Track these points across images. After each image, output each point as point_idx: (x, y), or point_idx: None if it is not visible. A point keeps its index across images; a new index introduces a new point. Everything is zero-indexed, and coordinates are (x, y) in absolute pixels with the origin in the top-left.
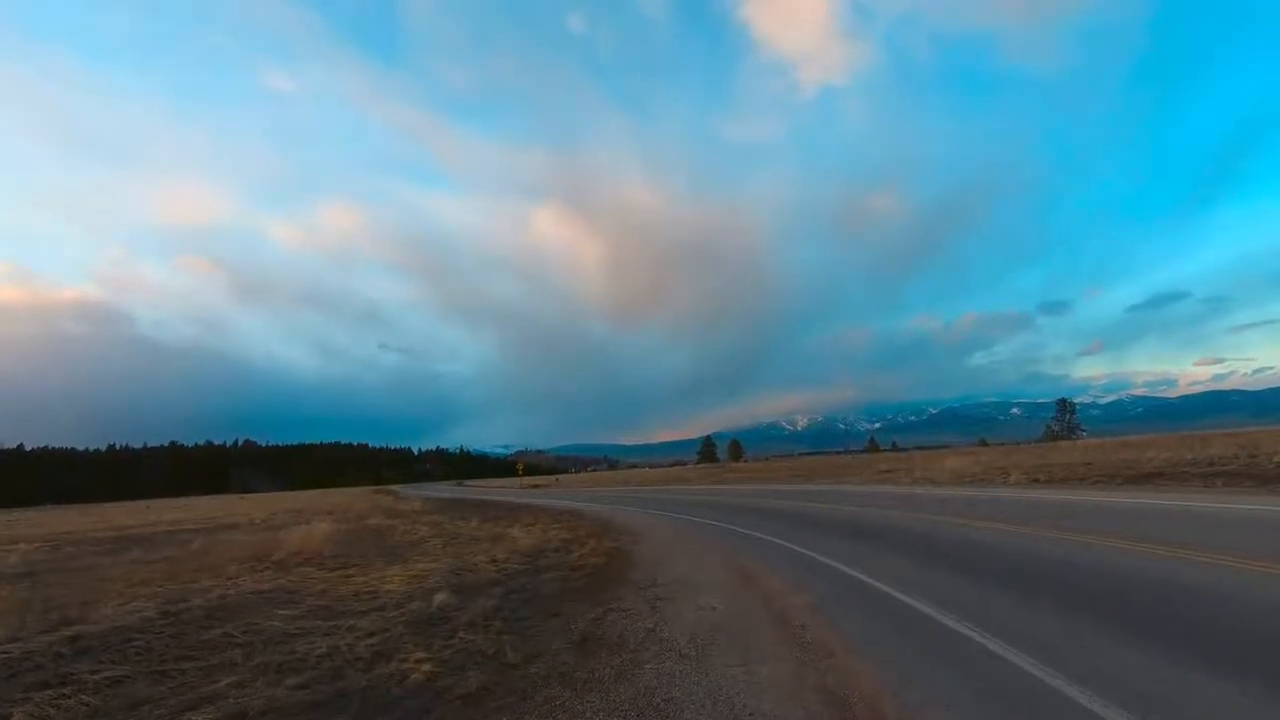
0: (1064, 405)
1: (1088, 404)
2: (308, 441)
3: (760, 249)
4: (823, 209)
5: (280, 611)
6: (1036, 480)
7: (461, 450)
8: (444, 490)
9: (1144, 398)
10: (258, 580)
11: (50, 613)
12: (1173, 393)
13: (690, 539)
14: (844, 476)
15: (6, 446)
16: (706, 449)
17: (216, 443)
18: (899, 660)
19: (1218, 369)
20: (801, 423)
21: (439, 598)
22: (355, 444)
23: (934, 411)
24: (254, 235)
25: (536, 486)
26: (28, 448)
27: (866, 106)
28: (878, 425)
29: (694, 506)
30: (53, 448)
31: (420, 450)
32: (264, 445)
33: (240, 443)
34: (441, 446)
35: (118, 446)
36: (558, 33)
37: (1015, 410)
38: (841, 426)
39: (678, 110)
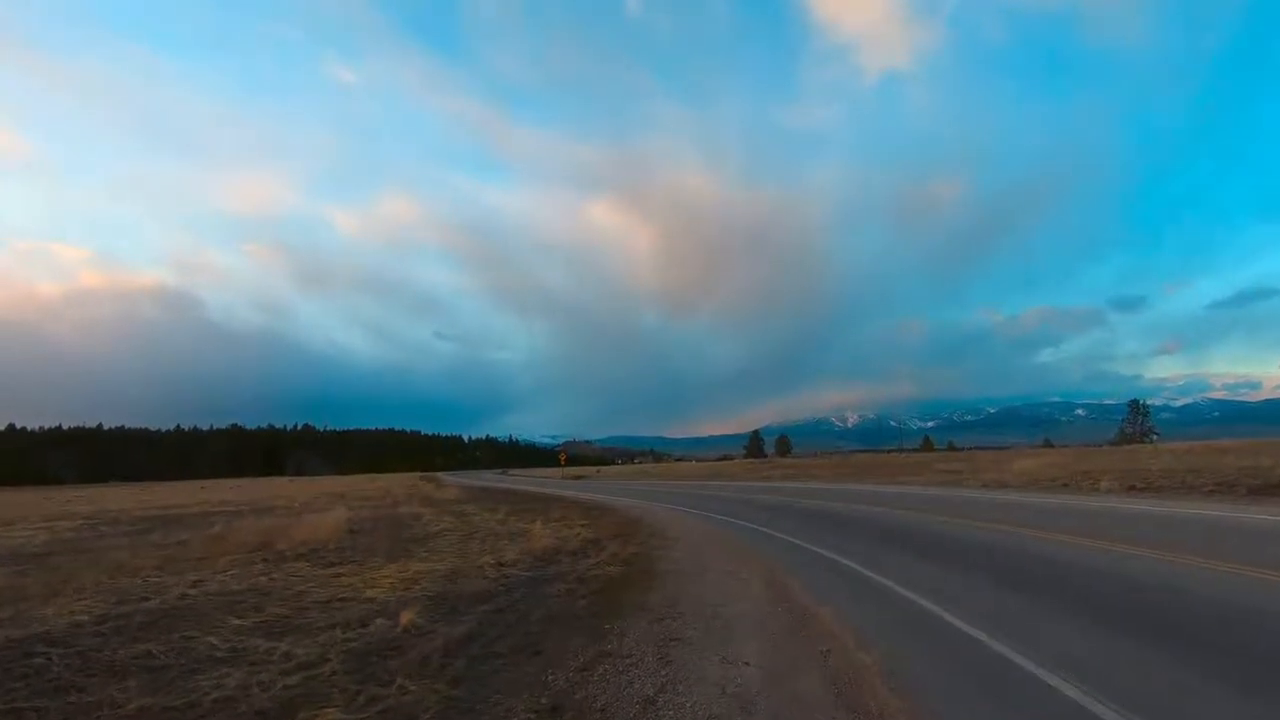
0: (1136, 406)
1: (1160, 406)
2: (363, 427)
3: (816, 239)
4: (882, 198)
5: (232, 621)
6: (1133, 488)
7: (510, 439)
8: (487, 478)
9: (1222, 401)
10: (241, 575)
11: None
12: (1256, 396)
13: (726, 548)
14: (902, 476)
15: (87, 425)
16: (753, 443)
17: (277, 426)
18: None
19: None
20: (852, 419)
21: (407, 616)
22: (408, 430)
23: (992, 410)
24: (316, 223)
25: (579, 477)
26: (106, 427)
27: (931, 91)
28: (932, 423)
29: (736, 505)
30: (128, 427)
31: (470, 437)
32: (321, 430)
33: (299, 426)
34: (491, 435)
35: (185, 427)
36: (615, 20)
37: (1080, 411)
38: (894, 424)
39: (735, 98)
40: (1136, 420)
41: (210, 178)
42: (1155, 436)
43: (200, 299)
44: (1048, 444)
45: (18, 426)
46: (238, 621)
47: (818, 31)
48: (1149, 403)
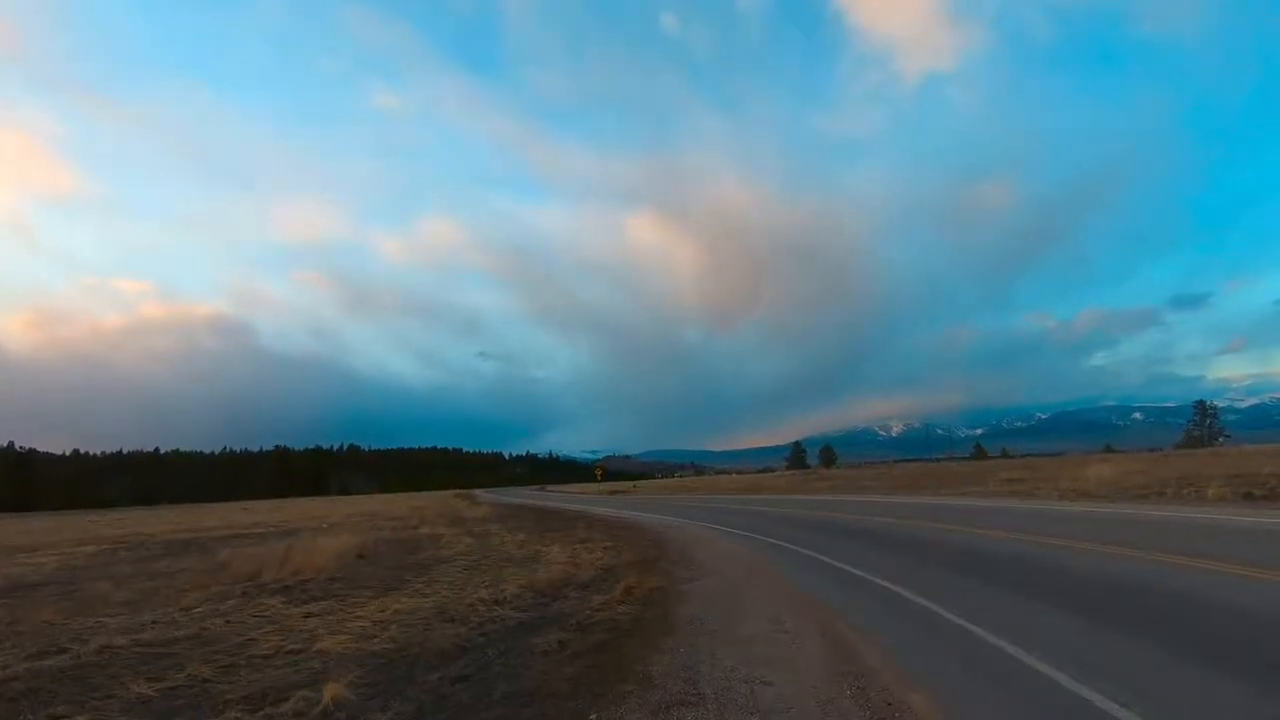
0: (1202, 408)
1: (1224, 407)
2: (407, 446)
3: (858, 247)
4: (925, 203)
5: (134, 688)
6: (1250, 495)
7: (551, 455)
8: (521, 495)
9: None
10: (203, 614)
11: None
12: None
13: (769, 583)
14: (960, 487)
15: (145, 450)
16: (796, 455)
17: (324, 447)
18: None
19: None
20: (897, 428)
21: (334, 690)
22: (450, 449)
23: (1044, 416)
24: (362, 249)
25: (615, 493)
26: (163, 450)
27: (975, 92)
28: (980, 431)
29: (779, 524)
30: (182, 450)
31: (511, 455)
32: (366, 450)
33: (345, 447)
34: (532, 451)
35: (234, 449)
36: (652, 35)
37: (1137, 415)
38: (941, 432)
39: (772, 108)
40: (1203, 422)
41: (262, 209)
42: (1224, 438)
43: (254, 326)
44: (1109, 449)
45: (82, 451)
46: (141, 689)
47: (855, 36)
48: (1213, 404)
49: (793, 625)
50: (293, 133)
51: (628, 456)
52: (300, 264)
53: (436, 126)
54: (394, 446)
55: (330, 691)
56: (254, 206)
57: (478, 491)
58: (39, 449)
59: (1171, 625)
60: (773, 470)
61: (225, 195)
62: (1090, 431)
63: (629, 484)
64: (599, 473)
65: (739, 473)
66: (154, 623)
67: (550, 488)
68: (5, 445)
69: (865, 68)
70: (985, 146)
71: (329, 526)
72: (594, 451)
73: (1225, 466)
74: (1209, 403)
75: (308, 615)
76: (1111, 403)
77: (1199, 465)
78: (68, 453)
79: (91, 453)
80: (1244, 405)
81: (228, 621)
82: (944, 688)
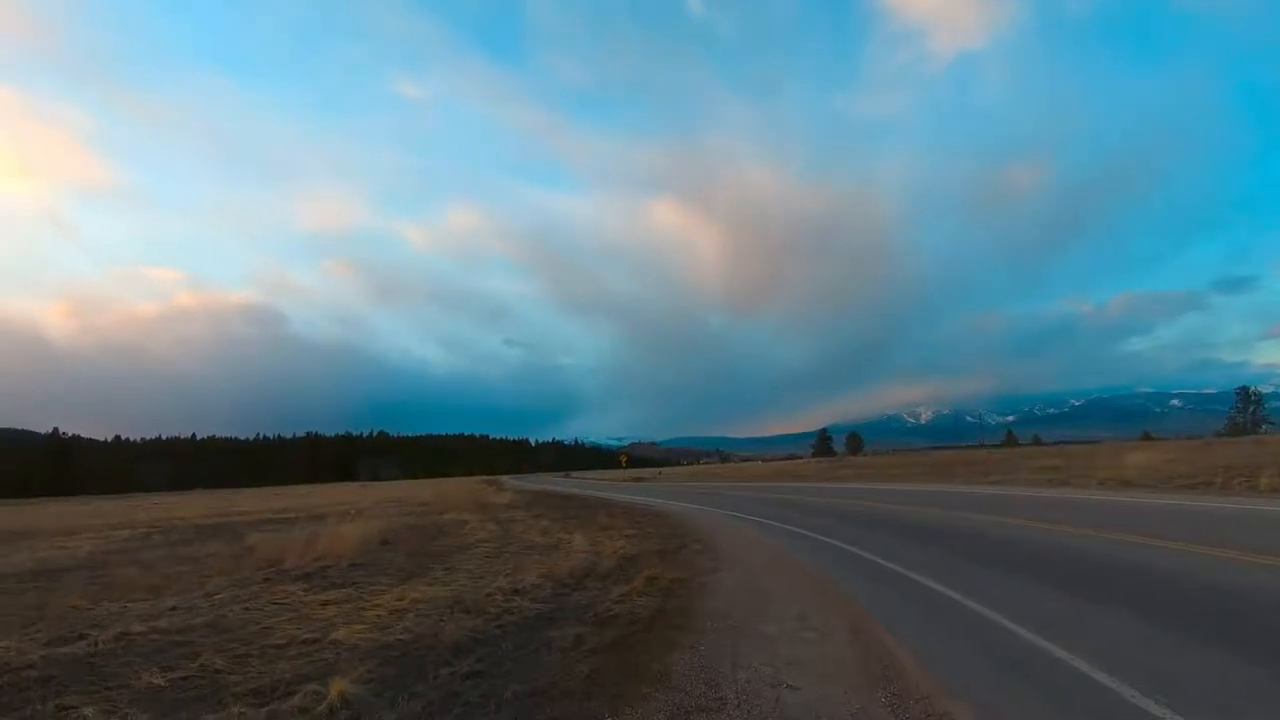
0: (1246, 394)
1: (1269, 394)
2: (434, 433)
3: (885, 232)
4: (956, 186)
5: (146, 678)
6: None
7: (576, 442)
8: (547, 482)
9: None
10: (223, 601)
11: None
12: None
13: (795, 576)
14: (994, 476)
15: (182, 436)
16: (822, 442)
17: (353, 433)
18: None
19: None
20: (925, 415)
21: (340, 686)
22: (477, 435)
23: (1077, 403)
24: (389, 238)
25: (639, 480)
26: (199, 437)
27: (1007, 71)
28: (1011, 418)
29: (806, 513)
30: (218, 437)
31: (537, 441)
32: (394, 436)
33: (373, 433)
34: (557, 438)
35: (266, 436)
36: (677, 18)
37: (1175, 402)
38: (970, 419)
39: (799, 91)
40: (1246, 409)
41: (290, 199)
42: (1268, 426)
43: (284, 315)
44: (1147, 437)
45: (122, 438)
46: (152, 678)
47: (885, 15)
48: (1257, 390)
49: (819, 622)
50: (318, 124)
51: (653, 443)
52: (328, 253)
53: (459, 115)
54: (422, 433)
55: (337, 687)
56: (281, 196)
57: (504, 478)
58: (81, 435)
59: (1224, 620)
60: (798, 457)
61: (253, 186)
62: (1126, 419)
63: (654, 471)
64: (624, 460)
65: (765, 460)
66: (174, 609)
67: (576, 474)
68: (49, 432)
69: (895, 47)
70: (1018, 127)
71: (356, 512)
72: (619, 438)
73: (1276, 455)
74: (1253, 389)
75: (325, 603)
76: (1149, 389)
77: (1244, 454)
78: (109, 439)
79: (131, 439)
80: None
81: (247, 609)
82: (985, 694)
